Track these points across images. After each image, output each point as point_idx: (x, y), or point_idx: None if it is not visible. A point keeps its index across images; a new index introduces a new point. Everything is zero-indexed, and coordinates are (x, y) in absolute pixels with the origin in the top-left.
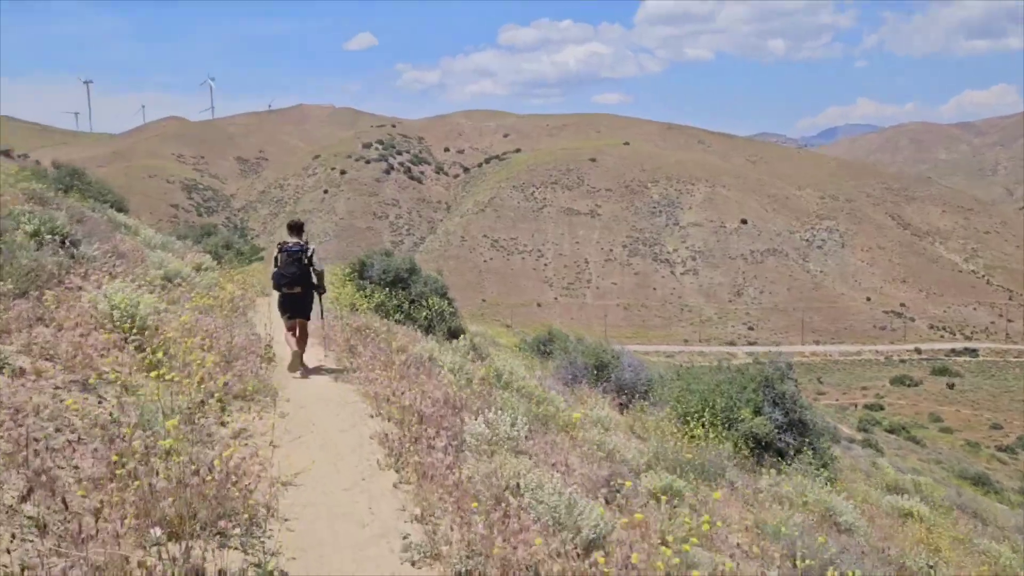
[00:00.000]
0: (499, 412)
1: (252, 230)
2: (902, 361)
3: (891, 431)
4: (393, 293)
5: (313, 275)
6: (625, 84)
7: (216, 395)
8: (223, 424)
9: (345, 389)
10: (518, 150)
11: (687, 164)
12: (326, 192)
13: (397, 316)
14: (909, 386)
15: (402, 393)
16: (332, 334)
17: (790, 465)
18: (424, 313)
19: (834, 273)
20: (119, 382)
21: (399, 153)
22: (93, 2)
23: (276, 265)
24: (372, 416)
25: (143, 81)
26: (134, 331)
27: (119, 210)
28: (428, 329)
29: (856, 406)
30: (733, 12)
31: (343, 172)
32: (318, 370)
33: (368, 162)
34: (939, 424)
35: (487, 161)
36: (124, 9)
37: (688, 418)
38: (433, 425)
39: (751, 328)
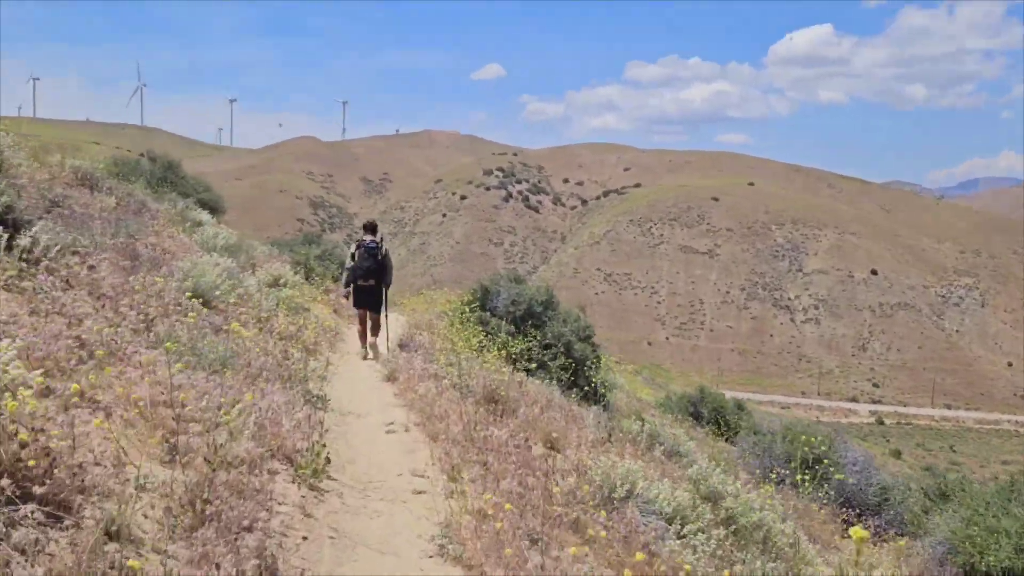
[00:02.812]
0: None
1: None
2: None
3: None
4: (523, 333)
5: (384, 271)
6: (750, 124)
7: None
8: None
9: None
10: (638, 185)
11: (814, 208)
12: (444, 216)
13: (527, 364)
14: None
15: None
16: (442, 411)
17: None
18: (560, 361)
19: (971, 333)
20: None
21: (518, 181)
22: (242, 31)
23: (353, 260)
24: None
25: (282, 102)
26: None
27: (212, 210)
28: (571, 386)
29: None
30: (871, 56)
31: (463, 197)
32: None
33: (488, 188)
34: None
35: (605, 194)
36: (270, 36)
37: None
38: None
39: (876, 385)
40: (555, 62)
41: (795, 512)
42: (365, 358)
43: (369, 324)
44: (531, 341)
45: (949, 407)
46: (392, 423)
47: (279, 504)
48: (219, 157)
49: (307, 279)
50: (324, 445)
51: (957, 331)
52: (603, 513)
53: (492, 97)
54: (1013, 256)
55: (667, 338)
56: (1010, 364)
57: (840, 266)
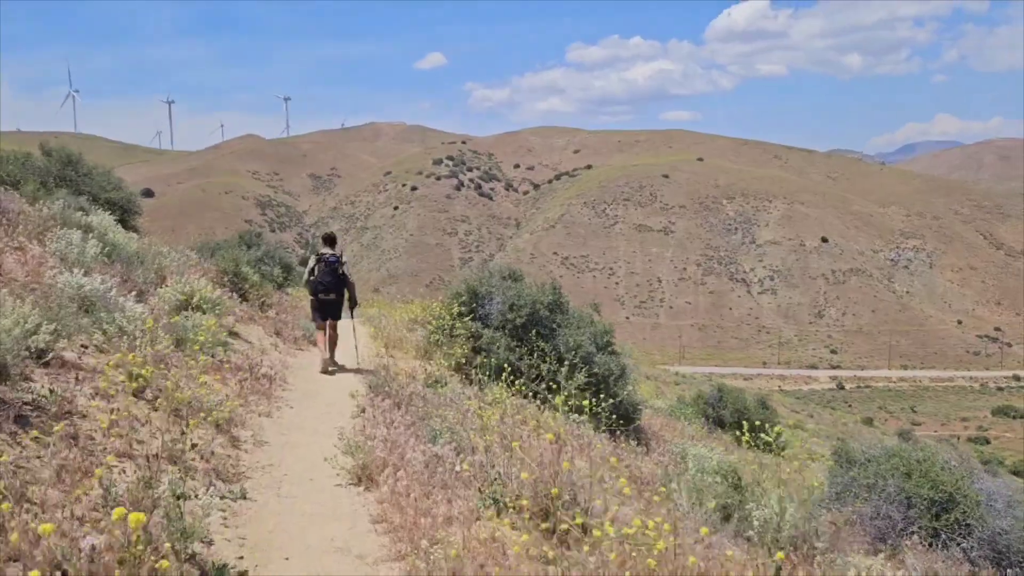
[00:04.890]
0: None
1: None
2: (1000, 389)
3: (1016, 472)
4: (528, 347)
5: (346, 286)
6: (695, 101)
7: None
8: None
9: None
10: (589, 166)
11: (764, 180)
12: (396, 208)
13: (520, 383)
14: (1014, 417)
15: None
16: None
17: None
18: (579, 380)
19: (921, 294)
20: None
21: (469, 169)
22: (177, 28)
23: (313, 274)
24: None
25: (222, 101)
26: None
27: (124, 211)
28: (584, 411)
29: (959, 439)
30: (807, 28)
31: (414, 188)
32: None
33: (438, 178)
34: None
35: (557, 178)
36: (206, 34)
37: None
38: None
39: (834, 351)
40: (497, 48)
41: None
42: (329, 371)
43: (329, 334)
44: (537, 358)
45: (906, 368)
46: None
47: None
48: (159, 161)
49: (237, 292)
50: None
51: (908, 292)
52: None
53: (437, 86)
54: (956, 216)
55: (627, 318)
56: (960, 322)
57: (791, 236)
